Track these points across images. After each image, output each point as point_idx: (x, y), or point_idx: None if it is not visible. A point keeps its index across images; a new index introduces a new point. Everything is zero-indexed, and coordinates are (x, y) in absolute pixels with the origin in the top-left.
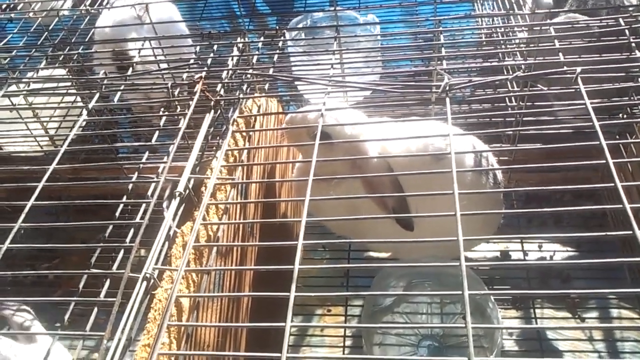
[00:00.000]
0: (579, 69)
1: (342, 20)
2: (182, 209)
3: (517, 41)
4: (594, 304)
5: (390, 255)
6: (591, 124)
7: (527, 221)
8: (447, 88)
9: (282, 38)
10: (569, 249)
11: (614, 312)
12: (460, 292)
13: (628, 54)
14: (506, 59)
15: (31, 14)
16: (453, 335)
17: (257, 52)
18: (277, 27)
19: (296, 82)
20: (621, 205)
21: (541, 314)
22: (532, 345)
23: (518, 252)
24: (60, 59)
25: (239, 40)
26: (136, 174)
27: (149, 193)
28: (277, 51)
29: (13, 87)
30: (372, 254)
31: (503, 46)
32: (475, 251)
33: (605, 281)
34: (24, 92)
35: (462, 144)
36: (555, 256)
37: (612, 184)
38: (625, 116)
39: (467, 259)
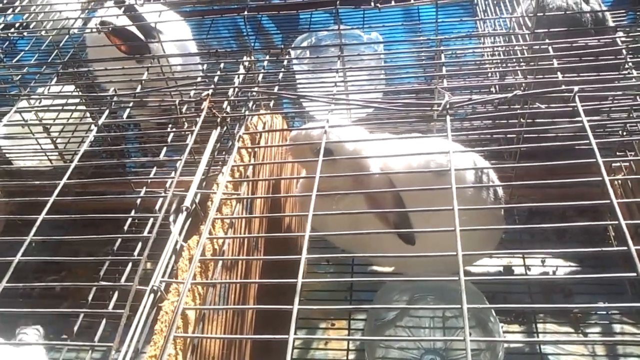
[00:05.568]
0: (576, 88)
1: (346, 39)
2: (188, 223)
3: (516, 60)
4: (596, 320)
5: (394, 270)
6: (588, 141)
7: (530, 236)
8: (448, 106)
9: (287, 56)
10: (572, 264)
11: (617, 328)
12: (459, 306)
13: (626, 72)
14: (507, 77)
15: (43, 32)
16: (455, 349)
17: (262, 70)
18: (283, 46)
19: (301, 100)
20: (617, 222)
21: (543, 329)
22: None
23: (520, 267)
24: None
25: (245, 58)
26: (144, 188)
27: (157, 207)
28: (282, 69)
29: (24, 103)
30: (375, 268)
31: (504, 65)
32: (478, 266)
33: (607, 297)
34: (36, 108)
35: (463, 160)
36: (557, 271)
37: (609, 201)
38: (624, 133)
39: (469, 274)
